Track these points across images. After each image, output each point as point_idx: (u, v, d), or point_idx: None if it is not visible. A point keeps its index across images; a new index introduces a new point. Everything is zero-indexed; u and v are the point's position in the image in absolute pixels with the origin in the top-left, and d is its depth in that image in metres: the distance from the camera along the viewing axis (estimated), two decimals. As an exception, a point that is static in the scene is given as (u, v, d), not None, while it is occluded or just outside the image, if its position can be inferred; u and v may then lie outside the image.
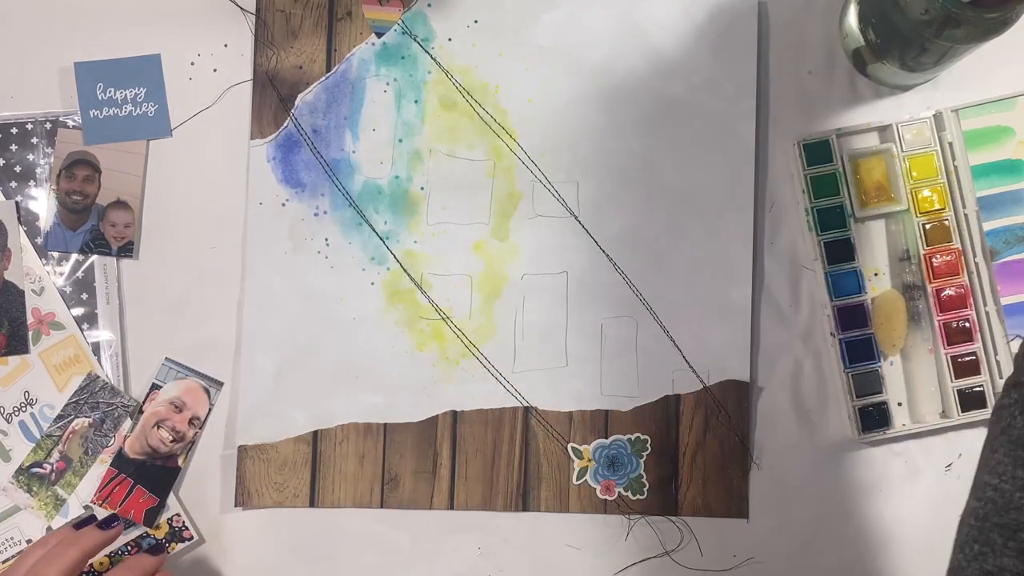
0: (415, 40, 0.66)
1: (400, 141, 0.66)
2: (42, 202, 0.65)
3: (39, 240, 0.64)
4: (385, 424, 0.65)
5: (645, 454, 0.65)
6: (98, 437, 0.64)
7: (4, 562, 0.63)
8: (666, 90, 0.65)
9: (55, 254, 0.65)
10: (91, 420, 0.64)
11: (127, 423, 0.64)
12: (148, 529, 0.64)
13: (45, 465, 0.64)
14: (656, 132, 0.65)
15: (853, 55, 0.65)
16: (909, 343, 0.64)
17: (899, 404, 0.64)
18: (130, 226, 0.64)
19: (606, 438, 0.65)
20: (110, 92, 0.64)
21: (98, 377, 0.64)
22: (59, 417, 0.64)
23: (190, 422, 0.64)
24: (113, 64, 0.65)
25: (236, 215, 0.66)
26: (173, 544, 0.64)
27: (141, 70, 0.65)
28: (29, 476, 0.64)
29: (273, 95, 0.66)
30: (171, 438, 0.64)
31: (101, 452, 0.64)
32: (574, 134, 0.66)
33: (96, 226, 0.64)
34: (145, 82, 0.65)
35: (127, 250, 0.64)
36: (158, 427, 0.64)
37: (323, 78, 0.66)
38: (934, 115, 0.64)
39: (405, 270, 0.65)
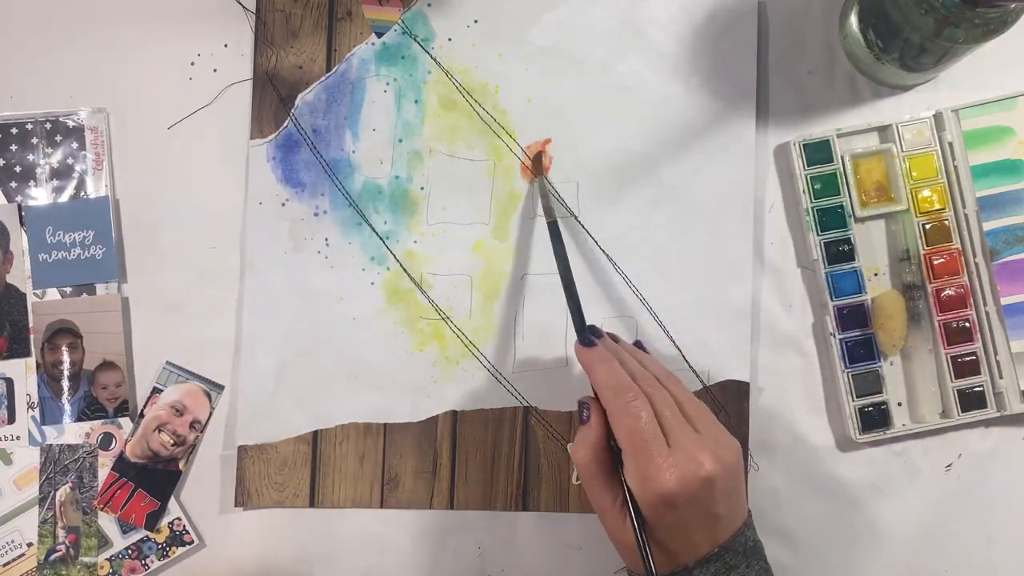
0: (415, 40, 0.66)
1: (400, 141, 0.66)
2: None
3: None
4: (385, 424, 0.65)
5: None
6: (85, 492, 0.64)
7: (4, 565, 0.63)
8: (666, 90, 0.65)
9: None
10: (70, 483, 0.64)
11: (117, 440, 0.64)
12: (149, 533, 0.64)
13: (59, 547, 0.64)
14: (656, 132, 0.65)
15: (853, 55, 0.65)
16: (909, 343, 0.64)
17: (899, 404, 0.64)
18: (121, 385, 0.64)
19: (606, 438, 0.65)
20: (59, 235, 0.64)
21: (51, 446, 0.64)
22: (40, 501, 0.64)
23: (191, 426, 0.64)
24: (63, 207, 0.65)
25: (236, 215, 0.66)
26: (174, 548, 0.64)
27: (90, 213, 0.65)
28: (53, 565, 0.64)
29: (273, 95, 0.66)
30: (172, 442, 0.64)
31: (96, 503, 0.64)
32: (574, 134, 0.66)
33: (88, 392, 0.64)
34: (93, 224, 0.64)
35: (123, 410, 0.64)
36: (159, 431, 0.64)
37: (323, 78, 0.66)
38: (934, 115, 0.64)
39: (405, 270, 0.65)
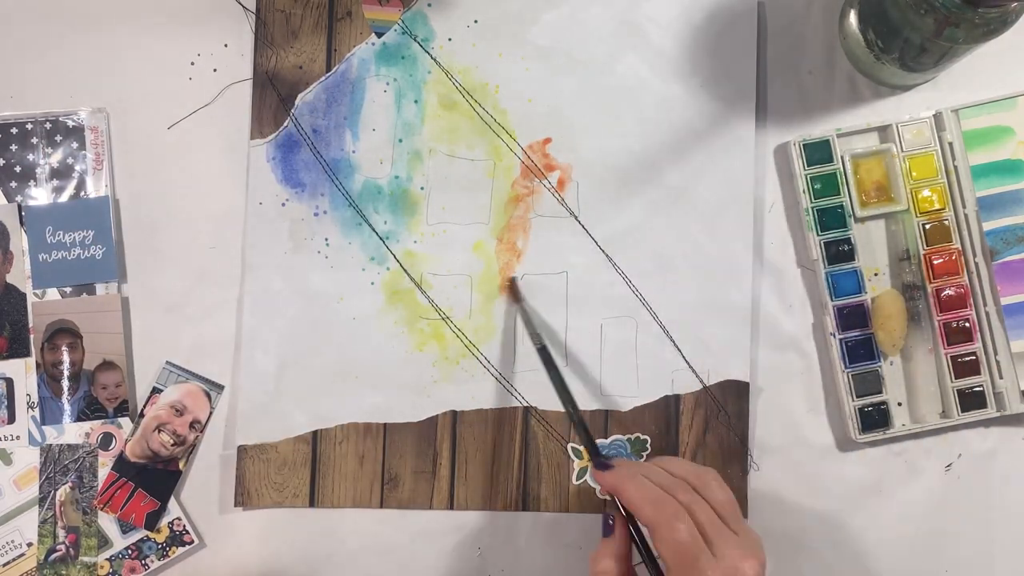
0: (415, 40, 0.66)
1: (400, 141, 0.66)
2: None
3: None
4: (385, 424, 0.65)
5: (645, 454, 0.65)
6: (85, 492, 0.64)
7: (4, 565, 0.63)
8: (666, 90, 0.65)
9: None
10: (70, 483, 0.64)
11: (116, 440, 0.64)
12: (149, 533, 0.64)
13: (59, 547, 0.64)
14: (656, 132, 0.65)
15: (853, 55, 0.65)
16: (909, 343, 0.64)
17: (899, 404, 0.64)
18: (121, 385, 0.64)
19: (606, 438, 0.65)
20: (59, 235, 0.64)
21: (51, 446, 0.64)
22: (40, 501, 0.64)
23: (191, 425, 0.64)
24: (63, 207, 0.65)
25: (236, 215, 0.66)
26: (174, 548, 0.64)
27: (90, 213, 0.65)
28: (53, 565, 0.64)
29: (273, 95, 0.66)
30: (172, 442, 0.64)
31: (96, 503, 0.64)
32: (574, 134, 0.66)
33: (88, 391, 0.64)
34: (93, 224, 0.64)
35: (123, 410, 0.64)
36: (159, 431, 0.64)
37: (323, 78, 0.66)
38: (934, 115, 0.64)
39: (405, 270, 0.65)
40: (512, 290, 0.65)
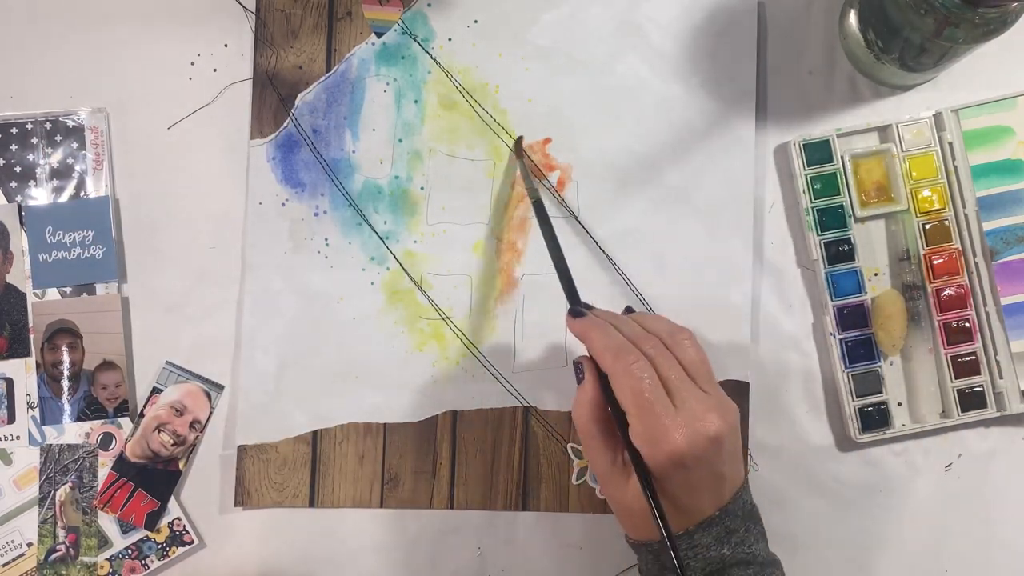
0: (415, 40, 0.66)
1: (400, 141, 0.66)
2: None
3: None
4: (385, 424, 0.65)
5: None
6: (85, 492, 0.64)
7: (4, 565, 0.63)
8: (666, 90, 0.65)
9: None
10: (70, 483, 0.64)
11: (117, 440, 0.64)
12: (149, 533, 0.64)
13: (59, 547, 0.64)
14: (656, 132, 0.65)
15: (853, 55, 0.65)
16: (909, 343, 0.64)
17: (899, 404, 0.64)
18: (121, 385, 0.64)
19: (606, 438, 0.65)
20: (59, 235, 0.64)
21: (51, 446, 0.64)
22: (40, 501, 0.64)
23: (191, 425, 0.64)
24: (63, 207, 0.65)
25: (236, 215, 0.66)
26: (174, 548, 0.64)
27: (89, 213, 0.65)
28: (53, 565, 0.64)
29: (273, 95, 0.66)
30: (172, 442, 0.64)
31: (96, 503, 0.64)
32: (574, 134, 0.66)
33: (88, 391, 0.64)
34: (93, 224, 0.64)
35: (123, 410, 0.64)
36: (159, 431, 0.64)
37: (323, 78, 0.66)
38: (934, 115, 0.64)
39: (405, 270, 0.65)
40: (517, 145, 0.65)
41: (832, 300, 0.63)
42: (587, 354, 0.52)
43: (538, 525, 0.65)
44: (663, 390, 0.48)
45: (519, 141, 0.65)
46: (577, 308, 0.54)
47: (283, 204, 0.65)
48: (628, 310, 0.56)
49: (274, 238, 0.65)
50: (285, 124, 0.66)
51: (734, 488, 0.51)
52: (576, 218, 0.65)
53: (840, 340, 0.63)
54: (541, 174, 0.65)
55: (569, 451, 0.65)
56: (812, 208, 0.64)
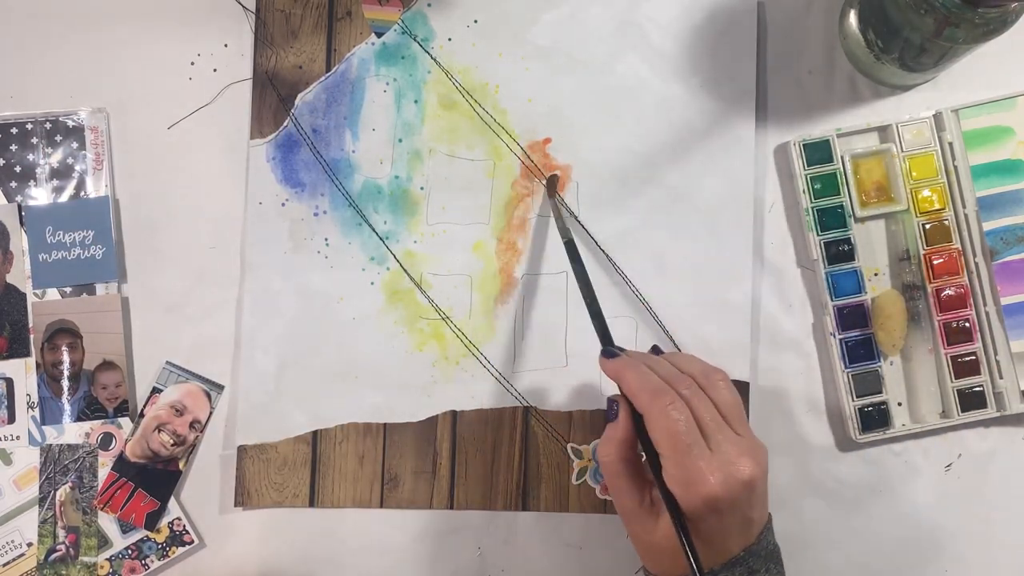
0: (415, 40, 0.66)
1: (400, 141, 0.66)
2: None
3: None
4: (385, 424, 0.65)
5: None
6: (85, 492, 0.64)
7: (4, 565, 0.63)
8: (666, 90, 0.65)
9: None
10: (70, 483, 0.64)
11: (117, 440, 0.64)
12: (149, 533, 0.64)
13: (59, 547, 0.64)
14: (656, 132, 0.65)
15: (853, 55, 0.65)
16: (909, 343, 0.64)
17: (899, 404, 0.64)
18: (121, 385, 0.64)
19: (606, 438, 0.65)
20: (59, 235, 0.64)
21: (51, 446, 0.64)
22: (40, 501, 0.64)
23: (191, 425, 0.64)
24: (63, 207, 0.65)
25: (236, 215, 0.66)
26: (174, 548, 0.64)
27: (89, 213, 0.65)
28: (53, 565, 0.64)
29: (273, 95, 0.66)
30: (172, 442, 0.64)
31: (96, 503, 0.64)
32: (574, 134, 0.66)
33: (88, 391, 0.64)
34: (93, 225, 0.64)
35: (123, 410, 0.64)
36: (159, 431, 0.64)
37: (323, 78, 0.66)
38: (934, 115, 0.64)
39: (405, 270, 0.65)
40: (551, 184, 0.65)
41: (832, 300, 0.63)
42: (619, 393, 0.52)
43: (538, 525, 0.65)
44: (699, 433, 0.48)
45: (552, 179, 0.65)
46: (610, 349, 0.54)
47: (283, 204, 0.65)
48: (655, 350, 0.57)
49: (274, 238, 0.65)
50: (285, 124, 0.66)
51: (760, 528, 0.51)
52: (576, 218, 0.65)
53: (840, 340, 0.63)
54: (541, 174, 0.65)
55: (569, 451, 0.65)
56: (812, 208, 0.64)
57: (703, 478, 0.47)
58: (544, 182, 0.65)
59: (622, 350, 0.54)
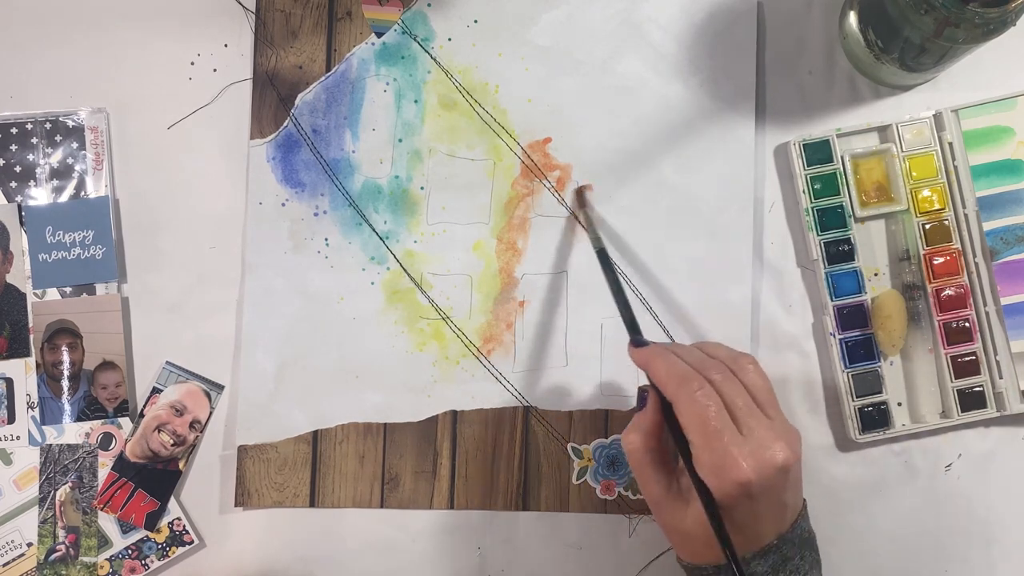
0: (415, 40, 0.66)
1: (400, 141, 0.66)
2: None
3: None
4: (385, 424, 0.65)
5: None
6: (85, 492, 0.64)
7: (4, 565, 0.63)
8: (666, 90, 0.65)
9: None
10: (70, 483, 0.64)
11: (116, 440, 0.64)
12: (149, 533, 0.64)
13: (59, 547, 0.64)
14: (656, 132, 0.65)
15: (853, 55, 0.65)
16: (909, 343, 0.64)
17: (899, 404, 0.64)
18: (121, 385, 0.64)
19: (606, 438, 0.65)
20: (59, 235, 0.64)
21: (51, 446, 0.64)
22: (40, 501, 0.64)
23: (191, 425, 0.64)
24: (63, 207, 0.65)
25: (236, 215, 0.66)
26: (174, 548, 0.64)
27: (89, 213, 0.65)
28: (53, 565, 0.64)
29: (273, 95, 0.66)
30: (172, 442, 0.64)
31: (96, 503, 0.64)
32: (574, 134, 0.66)
33: (88, 391, 0.64)
34: (93, 225, 0.64)
35: (123, 410, 0.64)
36: (159, 431, 0.64)
37: (323, 78, 0.66)
38: (934, 115, 0.64)
39: (405, 270, 0.65)
40: (580, 197, 0.65)
41: (832, 300, 0.63)
42: (647, 382, 0.52)
43: (538, 525, 0.65)
44: (729, 418, 0.48)
45: (580, 191, 0.65)
46: (639, 338, 0.54)
47: (283, 204, 0.65)
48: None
49: (274, 238, 0.65)
50: (285, 124, 0.66)
51: (794, 515, 0.51)
52: (576, 218, 0.65)
53: (840, 340, 0.63)
54: (541, 174, 0.65)
55: (569, 451, 0.65)
56: (812, 208, 0.64)
57: (735, 463, 0.46)
58: (573, 196, 0.65)
59: (646, 341, 0.54)
